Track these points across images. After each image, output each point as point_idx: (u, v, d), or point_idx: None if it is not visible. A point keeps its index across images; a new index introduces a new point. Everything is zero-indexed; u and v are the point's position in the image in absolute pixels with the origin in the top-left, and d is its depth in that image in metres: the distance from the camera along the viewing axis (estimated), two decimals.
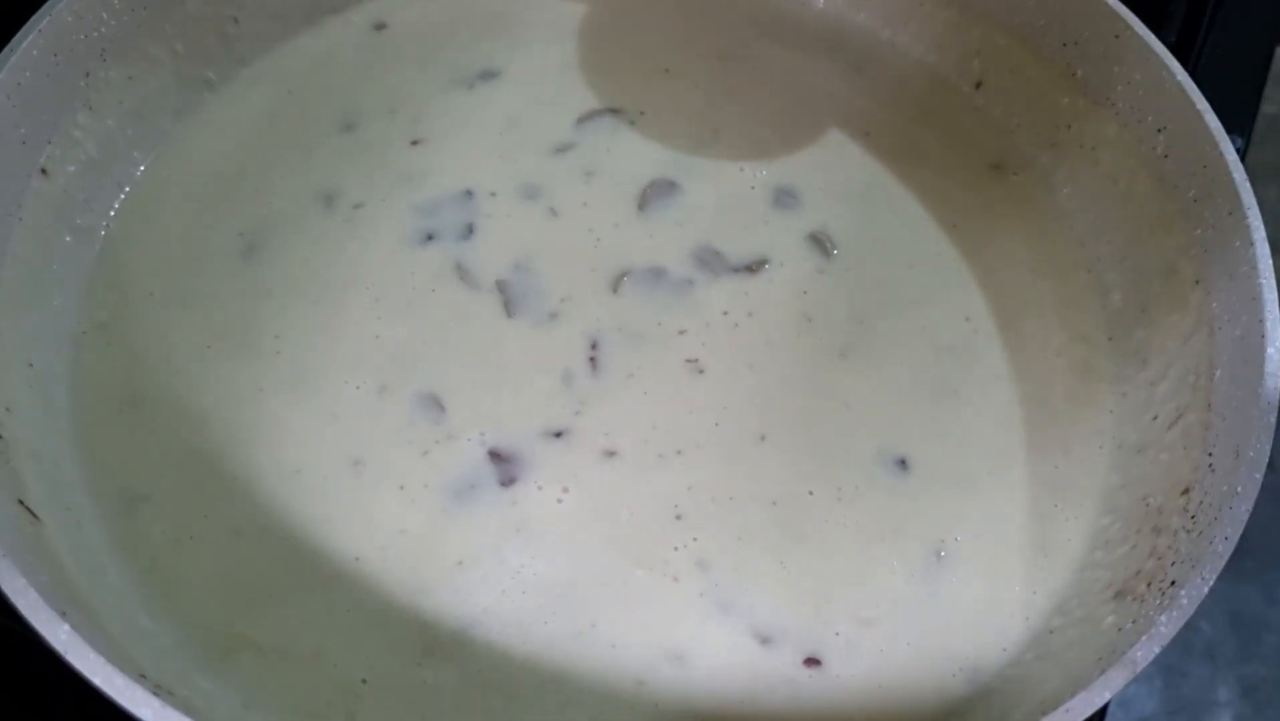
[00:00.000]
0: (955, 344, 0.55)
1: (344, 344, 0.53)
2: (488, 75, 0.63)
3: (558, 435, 0.50)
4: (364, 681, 0.45)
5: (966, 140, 0.62)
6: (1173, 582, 0.42)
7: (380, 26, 0.65)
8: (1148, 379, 0.52)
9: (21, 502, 0.44)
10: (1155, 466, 0.49)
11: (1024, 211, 0.60)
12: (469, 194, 0.58)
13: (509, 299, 0.54)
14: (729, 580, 0.47)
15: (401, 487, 0.49)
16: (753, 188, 0.59)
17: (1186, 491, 0.46)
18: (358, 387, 0.51)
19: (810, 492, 0.50)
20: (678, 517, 0.48)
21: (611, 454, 0.50)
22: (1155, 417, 0.51)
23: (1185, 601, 0.40)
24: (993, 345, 0.55)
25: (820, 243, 0.57)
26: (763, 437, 0.51)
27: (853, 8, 0.66)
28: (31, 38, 0.50)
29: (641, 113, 0.62)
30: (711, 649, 0.46)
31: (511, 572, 0.47)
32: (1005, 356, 0.55)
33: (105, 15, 0.54)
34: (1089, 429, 0.53)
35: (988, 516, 0.50)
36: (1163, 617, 0.39)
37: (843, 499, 0.50)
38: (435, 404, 0.51)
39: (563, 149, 0.60)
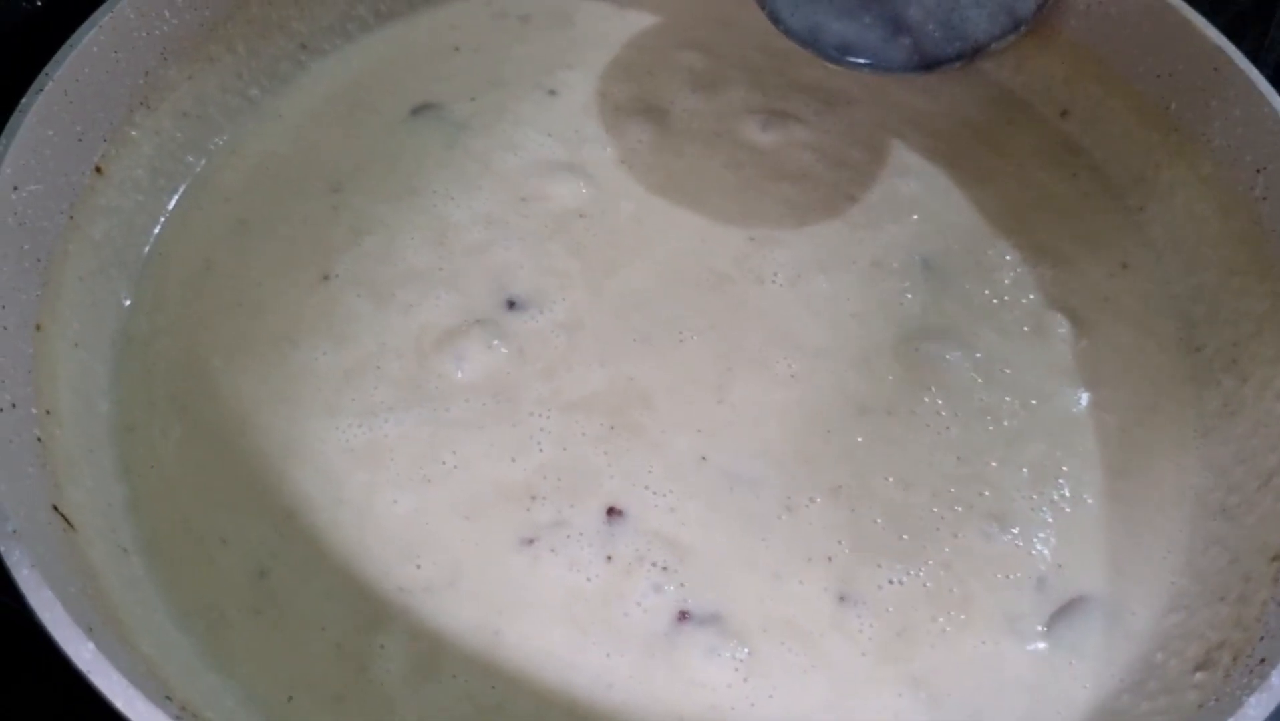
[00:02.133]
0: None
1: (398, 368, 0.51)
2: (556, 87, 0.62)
3: None
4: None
5: (1049, 170, 0.59)
6: (1262, 660, 0.39)
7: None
8: (1236, 434, 0.49)
9: (56, 508, 0.43)
10: (1242, 528, 0.46)
11: (1109, 249, 0.56)
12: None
13: None
14: None
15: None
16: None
17: (1277, 558, 0.43)
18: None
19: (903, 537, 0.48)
20: None
21: None
22: (1243, 476, 0.48)
23: (1276, 682, 0.37)
24: (1073, 391, 0.52)
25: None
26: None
27: None
28: (93, 33, 0.50)
29: None
30: None
31: None
32: (1086, 402, 0.52)
33: (168, 13, 0.53)
34: (1171, 485, 0.50)
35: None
36: (1251, 699, 0.36)
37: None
38: None
39: None
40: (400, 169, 0.58)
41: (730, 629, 0.45)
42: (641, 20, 0.65)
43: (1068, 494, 0.49)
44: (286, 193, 0.57)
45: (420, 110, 0.61)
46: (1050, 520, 0.49)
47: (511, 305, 0.53)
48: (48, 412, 0.45)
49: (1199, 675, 0.42)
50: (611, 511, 0.47)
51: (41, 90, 0.47)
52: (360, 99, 0.61)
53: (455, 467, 0.48)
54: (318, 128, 0.60)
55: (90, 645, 0.35)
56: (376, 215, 0.56)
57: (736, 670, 0.44)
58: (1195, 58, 0.53)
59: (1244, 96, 0.51)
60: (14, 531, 0.37)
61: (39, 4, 0.70)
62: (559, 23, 0.65)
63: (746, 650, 0.45)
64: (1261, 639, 0.40)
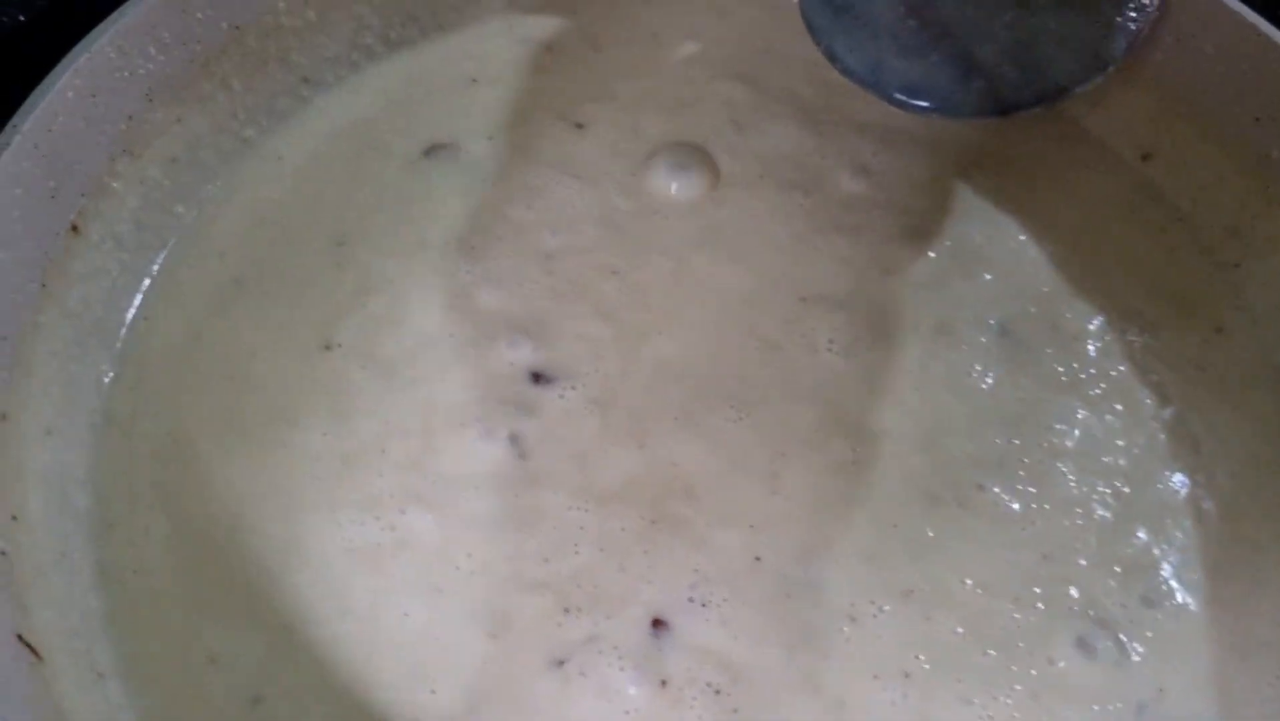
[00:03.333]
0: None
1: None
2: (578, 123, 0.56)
3: None
4: None
5: (1129, 221, 0.53)
6: None
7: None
8: None
9: (20, 637, 0.37)
10: None
11: (1201, 312, 0.51)
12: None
13: None
14: None
15: None
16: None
17: None
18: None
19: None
20: None
21: None
22: None
23: None
24: (1169, 474, 0.46)
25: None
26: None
27: None
28: (67, 77, 0.44)
29: None
30: None
31: None
32: (1183, 488, 0.46)
33: (153, 50, 0.48)
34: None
35: None
36: None
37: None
38: None
39: None
40: (410, 219, 0.52)
41: None
42: (675, 48, 0.59)
43: (1167, 600, 0.44)
44: (286, 247, 0.51)
45: (433, 151, 0.55)
46: (1150, 632, 0.43)
47: (536, 378, 0.47)
48: (13, 518, 0.40)
49: None
50: (656, 623, 0.42)
51: (8, 145, 0.42)
52: (367, 138, 0.55)
53: (472, 573, 0.43)
54: (320, 171, 0.54)
55: None
56: (384, 273, 0.50)
57: None
58: None
59: None
60: None
61: (21, 19, 0.65)
62: (586, 51, 0.59)
63: None
64: None
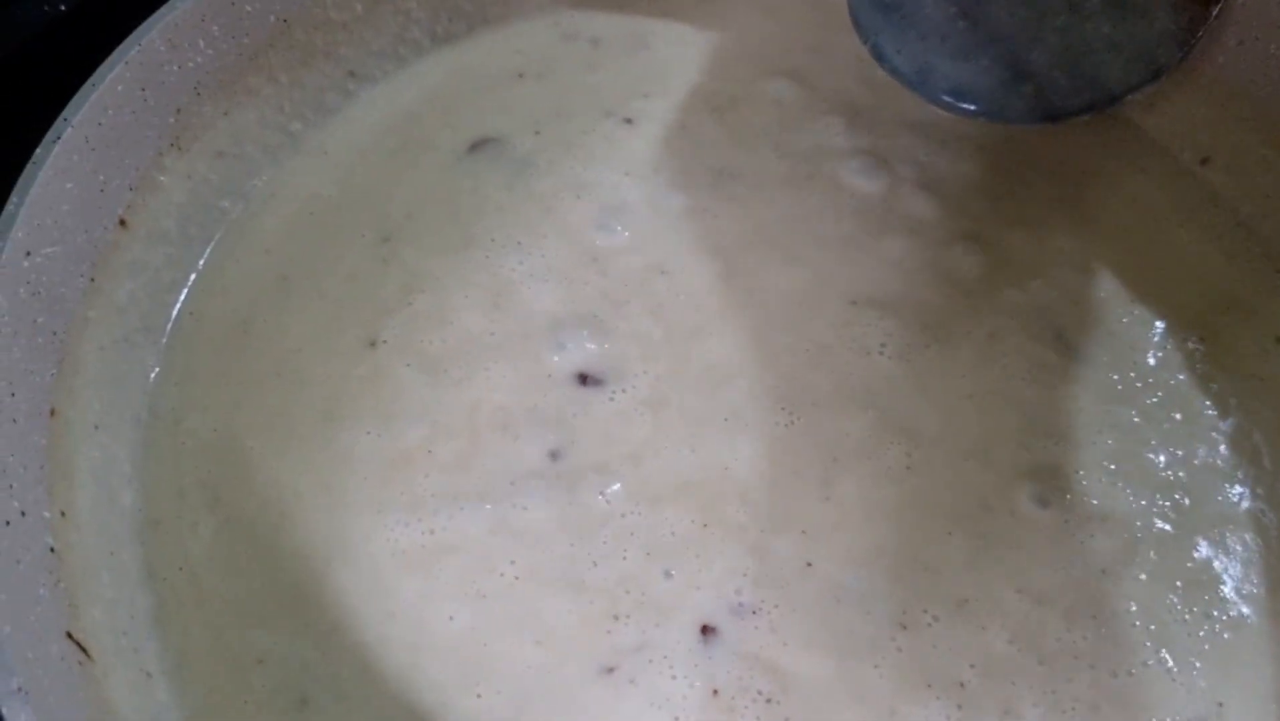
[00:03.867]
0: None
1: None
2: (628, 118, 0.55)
3: None
4: None
5: (1188, 226, 0.52)
6: None
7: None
8: None
9: (70, 635, 0.37)
10: None
11: (1262, 320, 0.50)
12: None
13: None
14: None
15: None
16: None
17: None
18: None
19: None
20: None
21: None
22: None
23: None
24: (1228, 487, 0.46)
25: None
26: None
27: None
28: (118, 70, 0.44)
29: None
30: None
31: None
32: (1244, 502, 0.45)
33: (203, 43, 0.47)
34: None
35: None
36: None
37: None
38: None
39: None
40: (456, 215, 0.52)
41: None
42: (724, 44, 0.58)
43: (1227, 614, 0.43)
44: (330, 243, 0.51)
45: (479, 145, 0.54)
46: (1207, 647, 0.42)
47: (584, 379, 0.47)
48: (62, 514, 0.40)
49: None
50: (706, 630, 0.41)
51: (59, 138, 0.41)
52: (413, 133, 0.55)
53: (517, 579, 0.42)
54: (366, 166, 0.54)
55: None
56: (430, 270, 0.50)
57: None
58: None
59: None
60: (18, 688, 0.31)
61: (62, 8, 0.64)
62: (634, 46, 0.58)
63: None
64: None
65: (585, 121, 0.55)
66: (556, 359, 0.47)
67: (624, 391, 0.47)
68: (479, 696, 0.40)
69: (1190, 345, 0.49)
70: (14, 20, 0.62)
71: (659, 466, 0.45)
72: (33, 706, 0.31)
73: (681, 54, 0.58)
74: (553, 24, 0.58)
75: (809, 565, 0.43)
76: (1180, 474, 0.46)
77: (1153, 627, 0.42)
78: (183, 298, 0.49)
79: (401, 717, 0.40)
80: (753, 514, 0.44)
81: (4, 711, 0.31)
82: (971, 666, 0.41)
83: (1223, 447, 0.47)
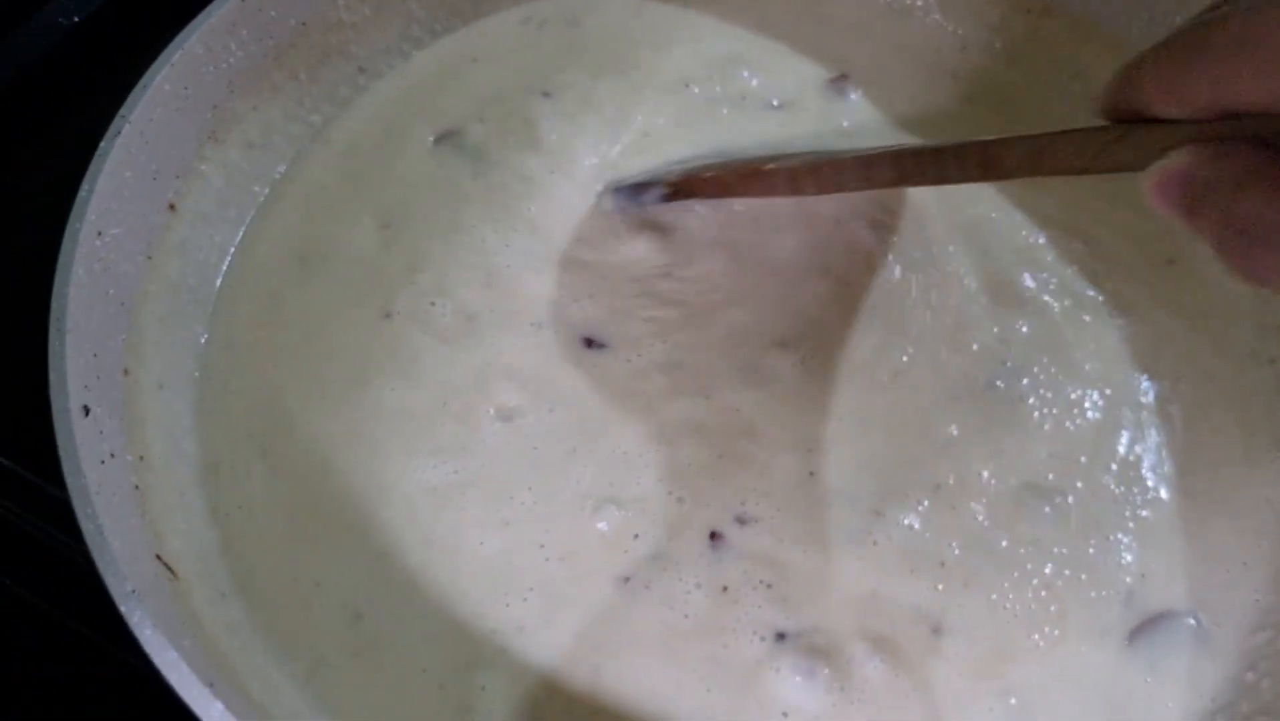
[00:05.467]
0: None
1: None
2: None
3: None
4: None
5: None
6: None
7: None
8: None
9: (159, 557, 0.43)
10: None
11: (1155, 244, 0.56)
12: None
13: None
14: None
15: None
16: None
17: None
18: None
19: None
20: None
21: None
22: None
23: None
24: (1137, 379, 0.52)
25: None
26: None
27: None
28: (164, 71, 0.49)
29: None
30: None
31: None
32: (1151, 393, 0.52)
33: (233, 45, 0.53)
34: (1242, 493, 0.50)
35: None
36: None
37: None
38: None
39: None
40: (440, 203, 0.56)
41: (824, 648, 0.45)
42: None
43: (1148, 494, 0.49)
44: (337, 227, 0.56)
45: (443, 138, 0.59)
46: (1132, 524, 0.49)
47: (589, 343, 0.52)
48: (141, 458, 0.45)
49: None
50: (714, 536, 0.47)
51: (119, 133, 0.47)
52: (395, 124, 0.60)
53: (535, 504, 0.48)
54: (360, 156, 0.59)
55: (219, 705, 0.36)
56: (427, 252, 0.55)
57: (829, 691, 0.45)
58: None
59: None
60: (133, 591, 0.37)
61: (75, 20, 0.70)
62: (570, 24, 0.64)
63: (840, 676, 0.45)
64: None
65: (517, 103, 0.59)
66: (557, 332, 0.52)
67: (639, 356, 0.52)
68: (508, 606, 0.46)
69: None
70: (32, 30, 0.68)
71: (674, 411, 0.50)
72: (146, 606, 0.37)
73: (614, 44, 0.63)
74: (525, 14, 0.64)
75: (811, 474, 0.49)
76: (1097, 365, 0.52)
77: (1090, 507, 0.49)
78: (222, 272, 0.54)
79: (443, 624, 0.45)
80: (762, 445, 0.49)
81: (123, 608, 0.37)
82: (952, 544, 0.47)
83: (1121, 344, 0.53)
